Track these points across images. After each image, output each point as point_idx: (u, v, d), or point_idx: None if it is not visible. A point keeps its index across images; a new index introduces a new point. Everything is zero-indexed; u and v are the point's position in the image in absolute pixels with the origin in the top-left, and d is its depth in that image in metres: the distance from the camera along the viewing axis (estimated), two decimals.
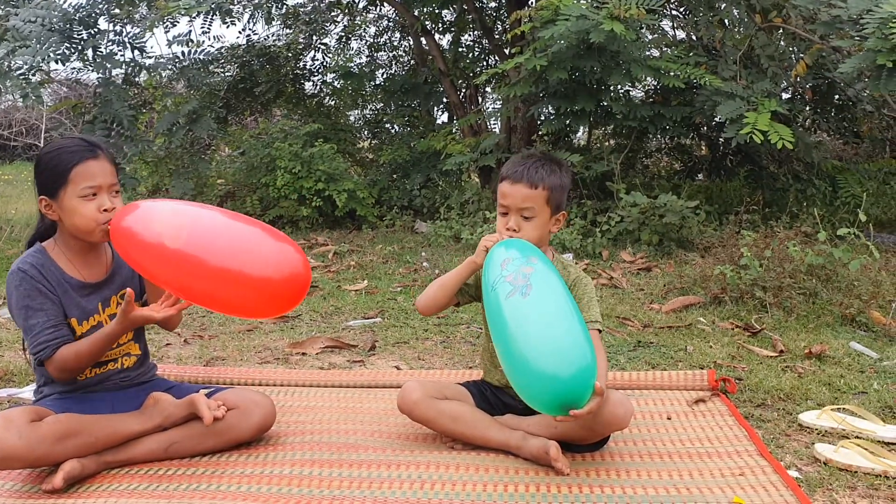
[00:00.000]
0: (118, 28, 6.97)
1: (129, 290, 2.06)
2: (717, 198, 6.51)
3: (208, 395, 2.25)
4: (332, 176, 6.83)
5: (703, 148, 7.71)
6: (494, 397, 2.36)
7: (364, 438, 2.35)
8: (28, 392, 2.72)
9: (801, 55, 5.62)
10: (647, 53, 5.98)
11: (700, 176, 7.76)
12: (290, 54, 8.90)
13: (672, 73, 5.41)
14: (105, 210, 2.10)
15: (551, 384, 1.90)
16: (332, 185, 6.79)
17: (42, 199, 2.13)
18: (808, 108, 6.77)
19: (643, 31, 5.98)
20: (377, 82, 8.85)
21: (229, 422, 2.21)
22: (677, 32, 7.34)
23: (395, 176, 7.81)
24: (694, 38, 6.78)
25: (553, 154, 2.42)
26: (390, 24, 9.28)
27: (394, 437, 2.37)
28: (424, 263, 5.25)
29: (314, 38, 9.13)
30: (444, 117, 8.69)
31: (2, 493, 2.01)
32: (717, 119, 6.00)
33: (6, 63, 5.91)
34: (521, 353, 1.95)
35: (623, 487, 2.00)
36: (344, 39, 9.28)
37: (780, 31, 5.88)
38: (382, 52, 9.44)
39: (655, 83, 6.54)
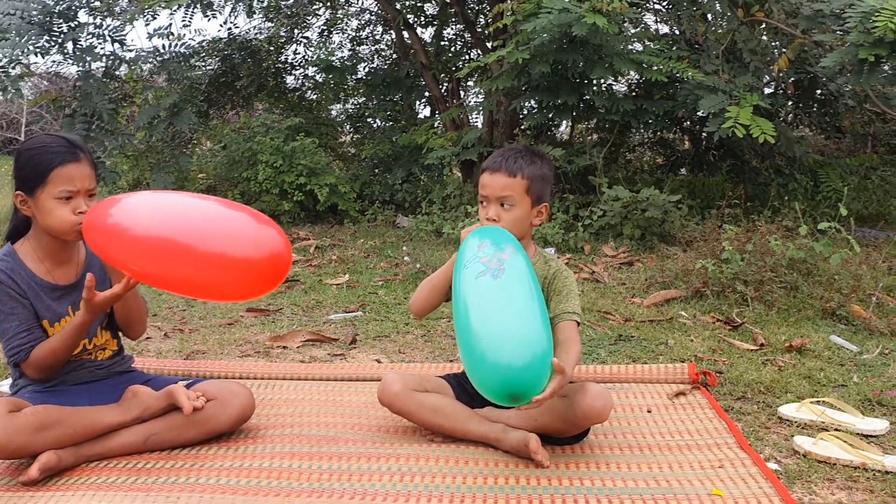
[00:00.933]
0: (98, 21, 6.90)
1: (89, 274, 2.04)
2: (700, 192, 6.52)
3: (187, 387, 2.23)
4: (314, 170, 6.80)
5: (686, 142, 7.73)
6: (474, 390, 2.33)
7: (344, 431, 2.33)
8: (5, 385, 2.69)
9: (784, 49, 5.64)
10: (630, 47, 5.98)
11: (683, 170, 7.78)
12: (271, 48, 8.84)
13: (654, 67, 5.41)
14: (80, 212, 2.09)
15: (505, 372, 1.90)
16: (314, 180, 6.76)
17: (18, 194, 2.12)
18: (790, 103, 6.79)
19: (626, 24, 5.97)
20: (359, 76, 8.80)
21: (208, 412, 2.20)
22: (660, 26, 7.35)
23: (376, 170, 7.78)
24: (676, 32, 6.79)
25: (535, 147, 2.42)
26: (372, 17, 9.24)
27: (374, 429, 2.36)
28: (406, 258, 5.23)
29: (296, 31, 9.08)
30: (427, 111, 8.67)
31: None
32: (699, 113, 6.02)
33: None
34: (479, 337, 1.94)
35: (603, 480, 2.00)
36: (326, 33, 9.23)
37: (763, 25, 5.90)
38: (364, 46, 9.39)
39: (638, 77, 6.54)
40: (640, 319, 3.61)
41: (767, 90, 6.42)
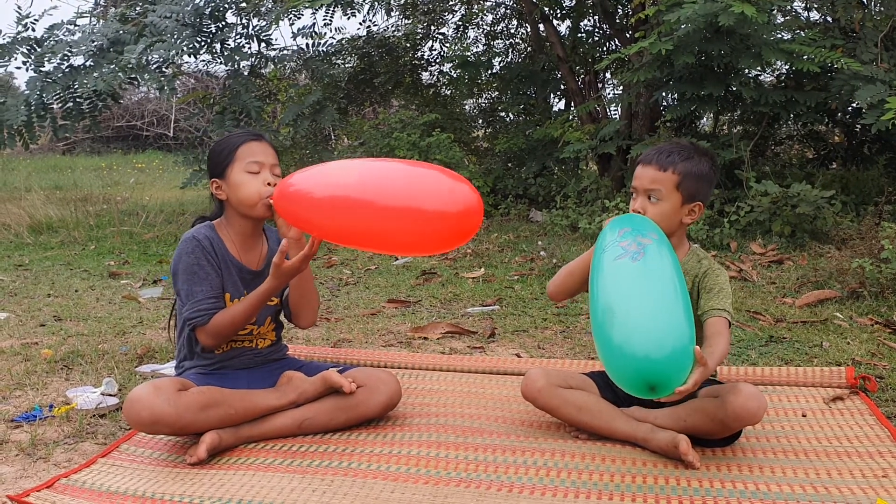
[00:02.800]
0: (245, 21, 7.25)
1: (283, 242, 2.13)
2: (854, 187, 6.15)
3: (339, 373, 2.31)
4: (449, 165, 6.88)
5: (838, 135, 7.31)
6: (620, 388, 2.31)
7: (488, 423, 2.36)
8: (168, 368, 2.88)
9: None
10: (779, 36, 5.71)
11: (834, 165, 7.37)
12: (408, 45, 9.01)
13: (806, 57, 5.15)
14: (268, 184, 2.22)
15: (642, 362, 1.79)
16: None
17: (213, 181, 2.28)
18: None
19: (774, 13, 5.71)
20: (493, 70, 8.84)
21: (358, 398, 2.28)
22: (811, 14, 6.97)
23: (509, 164, 7.80)
24: (830, 20, 6.43)
25: (700, 145, 2.32)
26: (507, 11, 9.24)
27: (517, 423, 2.37)
28: (541, 252, 5.21)
29: (432, 27, 9.21)
30: (561, 105, 8.61)
31: (150, 461, 2.13)
32: (854, 104, 5.68)
33: (144, 58, 6.24)
34: (616, 323, 1.85)
35: (757, 483, 1.93)
36: (461, 28, 9.31)
37: None
38: (499, 40, 9.42)
39: (788, 67, 6.24)
40: (792, 320, 3.45)
41: None
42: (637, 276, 1.92)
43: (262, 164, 2.23)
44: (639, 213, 2.19)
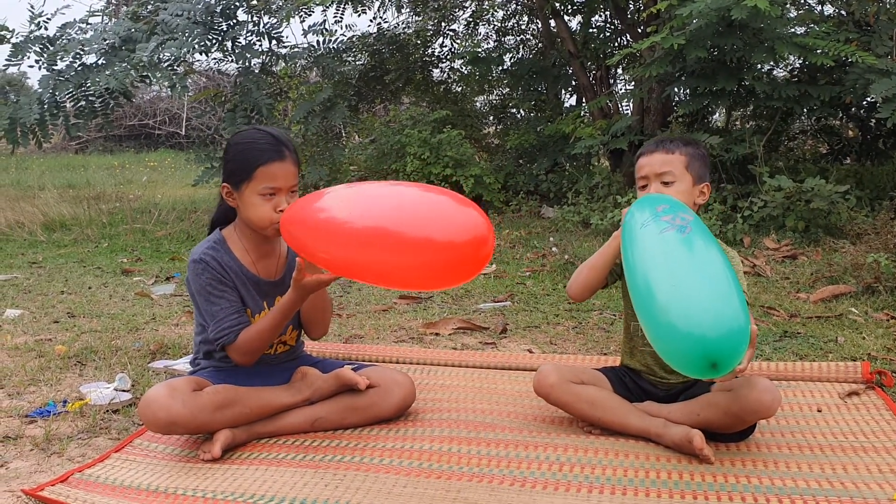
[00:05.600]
0: (255, 19, 7.25)
1: (300, 259, 2.08)
2: (869, 182, 6.10)
3: (353, 371, 2.31)
4: (460, 161, 6.88)
5: (852, 129, 7.25)
6: (633, 384, 2.30)
7: (500, 419, 2.35)
8: (181, 364, 2.89)
9: None
10: (792, 30, 5.67)
11: (848, 159, 7.31)
12: (418, 41, 9.00)
13: (820, 51, 5.11)
14: (280, 210, 2.14)
15: (704, 341, 1.67)
16: (460, 171, 6.84)
17: (225, 186, 2.21)
18: None
19: (788, 6, 5.67)
20: (504, 67, 8.82)
21: (371, 399, 2.27)
22: (825, 7, 6.92)
23: (520, 161, 7.78)
24: (844, 13, 6.37)
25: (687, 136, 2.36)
26: (518, 7, 9.22)
27: (530, 419, 2.36)
28: (553, 248, 5.20)
29: (443, 24, 9.20)
30: (572, 101, 8.57)
31: (163, 456, 2.13)
32: (869, 98, 5.64)
33: (155, 56, 6.26)
34: (671, 299, 1.73)
35: (772, 478, 1.91)
36: (472, 25, 9.29)
37: None
38: (510, 37, 9.39)
39: (801, 61, 6.19)
40: (806, 315, 3.42)
41: None
42: (690, 248, 1.83)
43: (279, 189, 2.15)
44: None
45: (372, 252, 1.86)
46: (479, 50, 8.81)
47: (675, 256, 1.82)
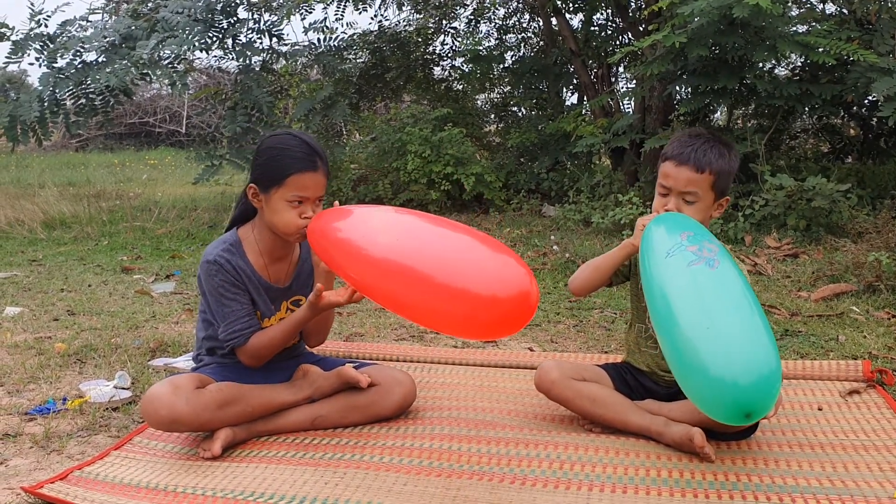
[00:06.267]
0: (256, 16, 7.24)
1: (318, 285, 2.11)
2: (870, 181, 6.08)
3: (355, 369, 2.31)
4: (461, 160, 6.87)
5: (854, 128, 7.24)
6: (635, 381, 2.30)
7: (501, 417, 2.35)
8: (181, 362, 2.88)
9: None
10: (794, 29, 5.66)
11: (850, 158, 7.30)
12: (419, 39, 8.98)
13: (821, 49, 5.10)
14: (306, 217, 2.15)
15: (737, 390, 1.67)
16: (461, 169, 6.83)
17: (252, 186, 2.20)
18: None
19: (789, 5, 5.66)
20: (506, 65, 8.80)
21: (372, 398, 2.27)
22: (826, 6, 6.91)
23: (522, 159, 7.77)
24: (845, 11, 6.36)
25: (723, 136, 2.28)
26: (520, 5, 9.19)
27: (530, 416, 2.36)
28: (554, 247, 5.19)
29: (444, 22, 9.18)
30: (574, 99, 8.56)
31: (163, 453, 2.14)
32: (871, 97, 5.62)
33: (156, 53, 6.25)
34: (704, 342, 1.72)
35: (772, 476, 1.91)
36: (473, 22, 9.27)
37: None
38: (511, 35, 9.37)
39: (803, 60, 6.18)
40: (807, 314, 3.42)
41: None
42: (718, 286, 1.82)
43: (308, 198, 2.16)
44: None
45: (413, 292, 1.86)
46: (481, 48, 8.79)
47: (705, 294, 1.81)
